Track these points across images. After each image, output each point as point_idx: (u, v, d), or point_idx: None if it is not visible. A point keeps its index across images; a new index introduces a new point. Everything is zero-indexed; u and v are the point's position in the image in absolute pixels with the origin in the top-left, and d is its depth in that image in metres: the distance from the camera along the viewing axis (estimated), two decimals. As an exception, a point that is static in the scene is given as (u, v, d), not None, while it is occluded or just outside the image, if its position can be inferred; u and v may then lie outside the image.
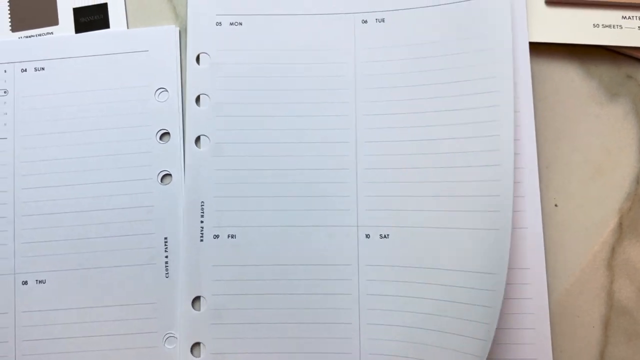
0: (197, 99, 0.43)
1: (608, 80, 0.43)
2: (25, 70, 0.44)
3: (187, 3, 0.44)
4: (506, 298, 0.39)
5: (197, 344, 0.41)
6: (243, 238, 0.42)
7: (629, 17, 0.42)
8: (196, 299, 0.41)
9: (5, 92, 0.43)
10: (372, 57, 0.43)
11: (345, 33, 0.43)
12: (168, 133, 0.43)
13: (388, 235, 0.41)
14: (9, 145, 0.43)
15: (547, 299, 0.40)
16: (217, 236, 0.42)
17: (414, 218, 0.41)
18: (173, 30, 0.44)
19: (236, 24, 0.44)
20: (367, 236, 0.41)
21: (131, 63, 0.43)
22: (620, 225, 0.42)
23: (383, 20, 0.43)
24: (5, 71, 0.44)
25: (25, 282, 0.42)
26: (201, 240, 0.42)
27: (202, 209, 0.42)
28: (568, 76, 0.43)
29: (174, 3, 0.45)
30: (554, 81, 0.43)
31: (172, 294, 0.42)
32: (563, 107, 0.43)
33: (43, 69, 0.43)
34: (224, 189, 0.42)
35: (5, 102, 0.43)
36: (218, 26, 0.44)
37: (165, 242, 0.42)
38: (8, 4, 0.45)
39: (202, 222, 0.42)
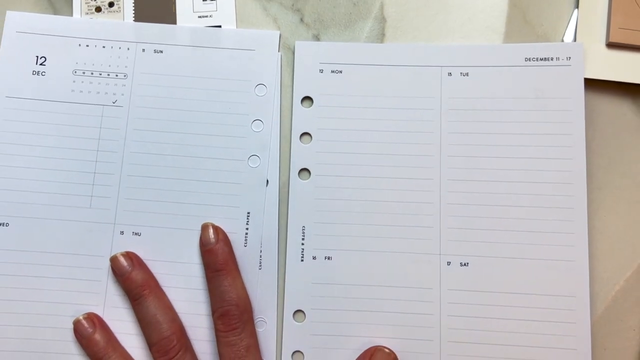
0: (301, 136, 0.47)
1: (657, 115, 0.46)
2: (144, 51, 0.48)
3: (294, 52, 0.48)
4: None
5: (297, 352, 0.44)
6: (338, 260, 0.45)
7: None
8: (297, 312, 0.45)
9: (126, 67, 0.47)
10: (456, 105, 0.46)
11: (432, 83, 0.47)
12: (261, 122, 0.47)
13: (467, 263, 0.45)
14: (124, 112, 0.47)
15: (589, 325, 0.43)
16: (315, 257, 0.46)
17: (493, 248, 0.44)
18: (275, 34, 0.48)
19: (336, 71, 0.48)
20: (448, 263, 0.45)
21: (239, 59, 0.47)
22: (662, 241, 0.45)
23: (467, 75, 0.47)
24: (128, 49, 0.48)
25: (122, 232, 0.45)
26: (302, 260, 0.46)
27: (303, 233, 0.46)
28: (621, 111, 0.47)
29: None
30: (608, 114, 0.46)
31: (248, 261, 0.45)
32: (615, 137, 0.46)
33: (161, 52, 0.47)
34: (322, 215, 0.46)
35: (125, 75, 0.47)
36: (321, 73, 0.48)
37: (248, 215, 0.45)
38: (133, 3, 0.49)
39: (302, 244, 0.46)
